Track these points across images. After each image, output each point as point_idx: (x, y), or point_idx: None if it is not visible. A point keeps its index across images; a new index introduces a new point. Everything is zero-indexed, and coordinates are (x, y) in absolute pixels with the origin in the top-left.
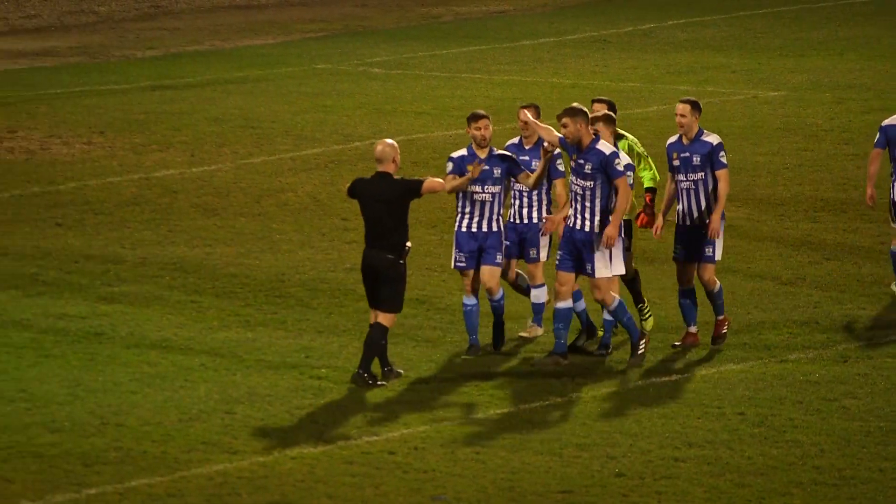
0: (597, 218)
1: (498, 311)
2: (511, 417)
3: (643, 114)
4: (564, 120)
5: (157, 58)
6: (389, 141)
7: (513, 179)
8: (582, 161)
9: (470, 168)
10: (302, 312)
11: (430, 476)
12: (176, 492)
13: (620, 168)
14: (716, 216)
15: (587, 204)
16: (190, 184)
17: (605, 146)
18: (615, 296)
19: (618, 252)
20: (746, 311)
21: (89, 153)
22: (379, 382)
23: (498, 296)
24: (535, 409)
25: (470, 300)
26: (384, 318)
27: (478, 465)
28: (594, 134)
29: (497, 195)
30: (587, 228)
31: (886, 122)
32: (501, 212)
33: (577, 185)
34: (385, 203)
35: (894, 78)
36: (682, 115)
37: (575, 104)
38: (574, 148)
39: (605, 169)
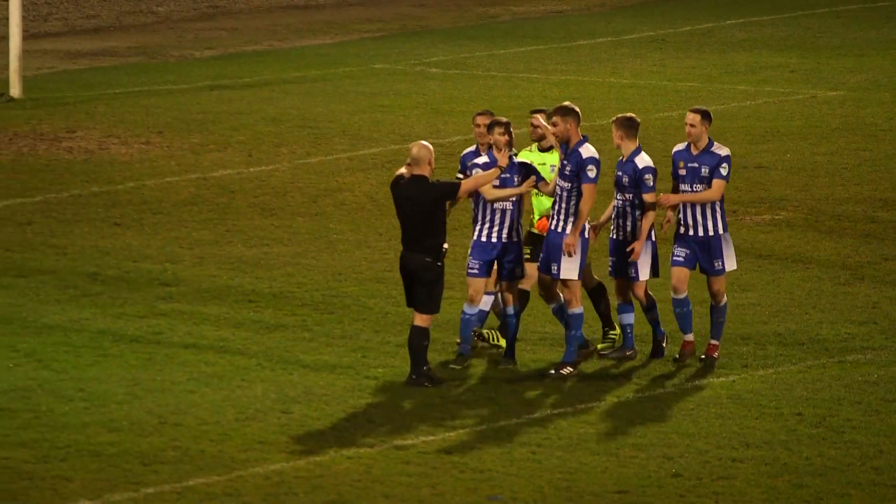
0: (570, 220)
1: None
2: (567, 417)
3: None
4: (555, 119)
5: (216, 58)
6: (424, 143)
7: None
8: (565, 162)
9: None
10: (358, 312)
11: (487, 476)
12: (233, 491)
13: (591, 175)
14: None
15: (564, 206)
16: (247, 183)
17: (586, 150)
18: (580, 306)
19: (646, 258)
20: (804, 311)
21: (147, 153)
22: (437, 380)
23: (513, 310)
24: (592, 409)
25: (471, 309)
26: (420, 320)
27: (534, 464)
28: (582, 136)
29: (516, 203)
30: (559, 230)
31: None
32: (521, 221)
33: (559, 185)
34: (420, 206)
35: None
36: (692, 125)
37: (567, 103)
38: (563, 148)
39: (578, 172)
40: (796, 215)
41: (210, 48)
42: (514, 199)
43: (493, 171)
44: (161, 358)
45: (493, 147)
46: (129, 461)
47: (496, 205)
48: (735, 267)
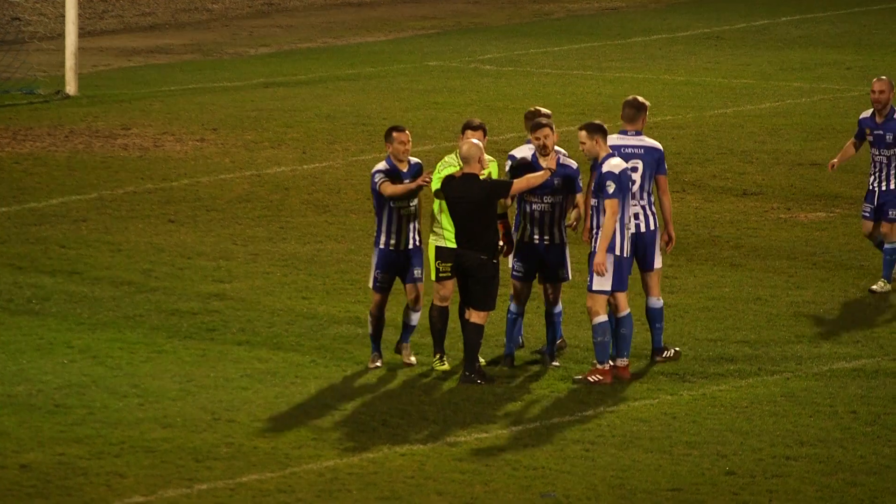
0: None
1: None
2: (620, 415)
3: (756, 111)
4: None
5: (270, 55)
6: (475, 141)
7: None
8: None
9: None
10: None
11: (540, 473)
12: (286, 488)
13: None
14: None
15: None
16: (301, 181)
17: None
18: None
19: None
20: (859, 309)
21: (202, 150)
22: (489, 377)
23: (558, 308)
24: (645, 406)
25: (517, 308)
26: (477, 317)
27: (587, 462)
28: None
29: (557, 204)
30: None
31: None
32: (564, 223)
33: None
34: (473, 204)
35: None
36: (581, 143)
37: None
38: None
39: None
40: (851, 212)
41: (265, 45)
42: (557, 199)
43: (544, 173)
44: (214, 354)
45: (539, 150)
46: (182, 457)
47: (535, 205)
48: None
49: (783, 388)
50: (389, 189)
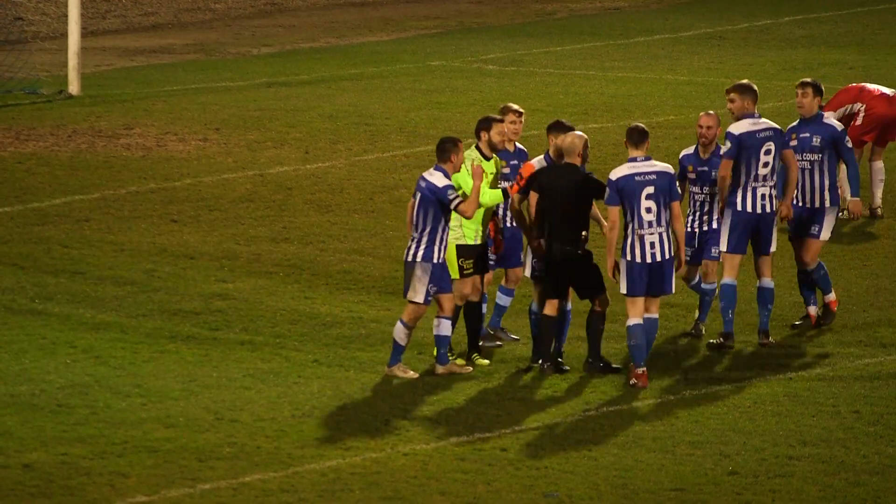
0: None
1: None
2: (623, 415)
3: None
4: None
5: (273, 55)
6: (579, 133)
7: None
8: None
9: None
10: None
11: (543, 473)
12: (289, 487)
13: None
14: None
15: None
16: (304, 180)
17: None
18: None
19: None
20: (862, 309)
21: (204, 150)
22: (614, 367)
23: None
24: (648, 406)
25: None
26: (598, 304)
27: (590, 462)
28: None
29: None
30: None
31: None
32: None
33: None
34: (568, 194)
35: None
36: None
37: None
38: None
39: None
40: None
41: (267, 45)
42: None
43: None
44: (217, 354)
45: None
46: (185, 457)
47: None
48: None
49: (786, 388)
50: (472, 209)
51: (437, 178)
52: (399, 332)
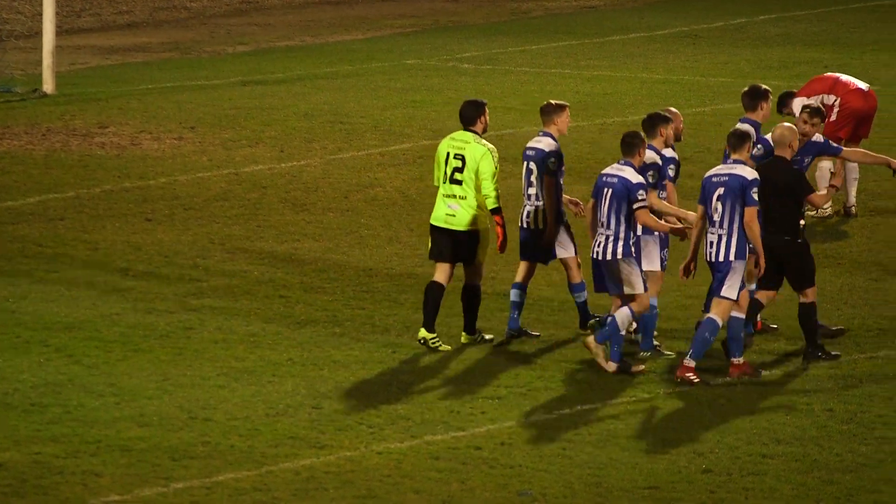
0: None
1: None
2: (597, 413)
3: (734, 109)
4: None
5: (248, 53)
6: (788, 125)
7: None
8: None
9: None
10: (389, 308)
11: (517, 471)
12: (262, 486)
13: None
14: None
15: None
16: (279, 179)
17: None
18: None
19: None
20: (836, 308)
21: (179, 148)
22: (833, 354)
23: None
24: (622, 404)
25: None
26: (804, 297)
27: (564, 460)
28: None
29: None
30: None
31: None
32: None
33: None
34: (777, 185)
35: None
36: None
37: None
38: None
39: None
40: (830, 211)
41: (242, 44)
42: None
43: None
44: (191, 353)
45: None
46: (158, 456)
47: None
48: None
49: (759, 387)
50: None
51: (628, 174)
52: (623, 319)
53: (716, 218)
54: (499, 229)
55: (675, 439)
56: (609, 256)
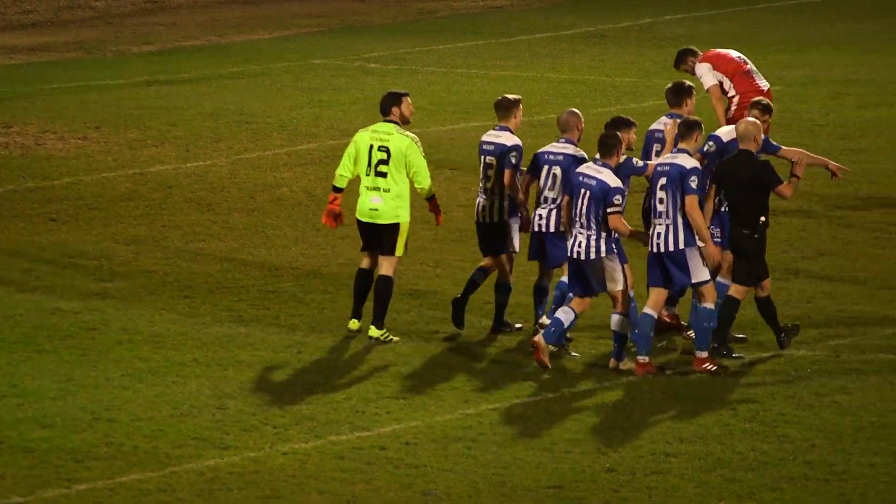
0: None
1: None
2: (503, 413)
3: (639, 109)
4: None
5: (153, 53)
6: (752, 119)
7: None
8: None
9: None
10: (295, 308)
11: (421, 471)
12: (167, 487)
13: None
14: None
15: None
16: (184, 179)
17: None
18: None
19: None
20: (742, 308)
21: (84, 148)
22: (792, 326)
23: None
24: (527, 404)
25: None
26: (761, 291)
27: (469, 460)
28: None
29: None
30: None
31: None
32: None
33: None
34: (741, 180)
35: (891, 73)
36: None
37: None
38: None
39: None
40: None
41: (148, 43)
42: None
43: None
44: (95, 354)
45: None
46: (61, 457)
47: None
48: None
49: (663, 386)
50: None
51: (606, 177)
52: (622, 324)
53: (661, 208)
54: (436, 211)
55: (580, 438)
56: (593, 255)
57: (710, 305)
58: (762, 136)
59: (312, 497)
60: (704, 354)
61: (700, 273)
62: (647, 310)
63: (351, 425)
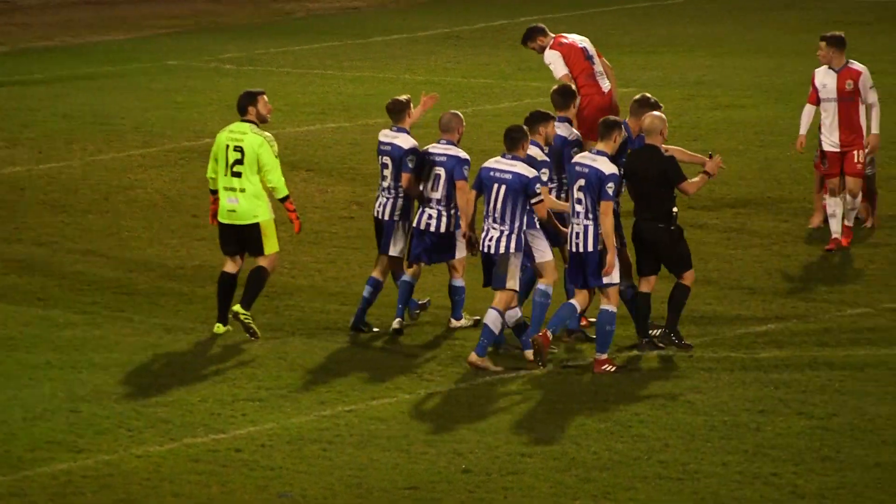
0: None
1: None
2: (359, 414)
3: (494, 110)
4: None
5: (6, 53)
6: (657, 114)
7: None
8: None
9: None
10: (150, 310)
11: (277, 473)
12: (19, 491)
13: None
14: None
15: None
16: (37, 181)
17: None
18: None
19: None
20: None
21: None
22: (685, 343)
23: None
24: (384, 405)
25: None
26: (685, 279)
27: (325, 461)
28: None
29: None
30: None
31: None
32: None
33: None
34: (649, 173)
35: (741, 74)
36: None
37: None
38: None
39: None
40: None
41: (0, 44)
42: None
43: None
44: None
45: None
46: None
47: None
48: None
49: (519, 387)
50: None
51: (521, 168)
52: (496, 320)
53: (579, 209)
54: (292, 215)
55: (436, 440)
56: (503, 250)
57: (612, 308)
58: (664, 132)
59: (167, 500)
60: (604, 356)
61: (612, 276)
62: (606, 307)
63: (206, 428)
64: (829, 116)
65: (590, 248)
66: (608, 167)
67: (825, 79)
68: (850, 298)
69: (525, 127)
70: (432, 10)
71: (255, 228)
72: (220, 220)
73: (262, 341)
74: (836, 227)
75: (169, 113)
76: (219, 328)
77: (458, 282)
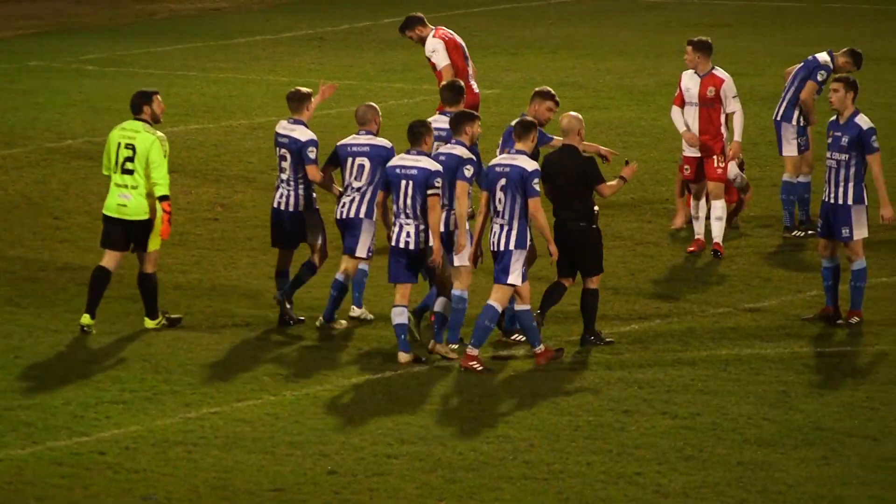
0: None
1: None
2: (223, 416)
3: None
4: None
5: None
6: (574, 114)
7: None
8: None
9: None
10: (12, 313)
11: (141, 476)
12: None
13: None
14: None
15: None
16: None
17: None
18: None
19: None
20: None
21: None
22: (607, 340)
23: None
24: (248, 407)
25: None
26: (592, 283)
27: (189, 464)
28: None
29: None
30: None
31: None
32: None
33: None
34: (569, 173)
35: (604, 76)
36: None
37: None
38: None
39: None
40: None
41: None
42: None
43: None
44: None
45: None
46: None
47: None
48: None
49: (385, 387)
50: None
51: (426, 163)
52: (445, 306)
53: (499, 208)
54: (165, 216)
55: (302, 441)
56: (412, 246)
57: (499, 308)
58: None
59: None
60: (475, 352)
61: (513, 277)
62: (520, 307)
63: (69, 431)
64: (691, 120)
65: (502, 247)
66: (530, 164)
67: (689, 83)
68: (713, 298)
69: (429, 122)
70: (296, 12)
71: (145, 225)
72: (108, 213)
73: (125, 343)
74: (699, 228)
75: (30, 114)
76: (85, 319)
77: (360, 270)
